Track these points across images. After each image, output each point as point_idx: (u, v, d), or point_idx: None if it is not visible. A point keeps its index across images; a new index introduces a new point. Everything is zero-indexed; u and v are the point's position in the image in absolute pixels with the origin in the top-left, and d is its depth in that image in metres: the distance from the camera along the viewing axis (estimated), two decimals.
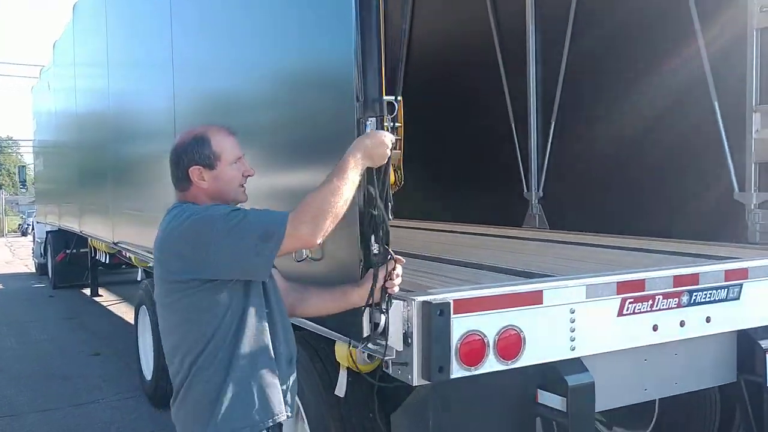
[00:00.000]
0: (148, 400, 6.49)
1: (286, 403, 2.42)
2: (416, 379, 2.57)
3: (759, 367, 3.45)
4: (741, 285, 3.32)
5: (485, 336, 2.70)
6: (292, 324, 2.63)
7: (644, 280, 3.07)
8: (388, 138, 2.43)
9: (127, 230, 6.93)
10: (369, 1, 2.49)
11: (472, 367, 2.68)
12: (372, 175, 2.53)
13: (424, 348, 2.55)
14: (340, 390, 3.04)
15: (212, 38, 4.20)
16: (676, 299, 3.16)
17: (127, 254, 7.67)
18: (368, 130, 2.52)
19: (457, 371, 2.62)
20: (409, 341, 2.57)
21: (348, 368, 3.01)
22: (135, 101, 6.40)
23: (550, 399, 2.94)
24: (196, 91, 4.75)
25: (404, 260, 2.58)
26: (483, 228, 5.92)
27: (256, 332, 2.35)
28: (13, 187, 57.31)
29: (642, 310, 3.07)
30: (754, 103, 4.35)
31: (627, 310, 3.03)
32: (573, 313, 2.90)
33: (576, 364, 2.93)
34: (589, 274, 3.05)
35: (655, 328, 3.11)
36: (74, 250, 13.13)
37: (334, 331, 2.86)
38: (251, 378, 2.31)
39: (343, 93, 2.59)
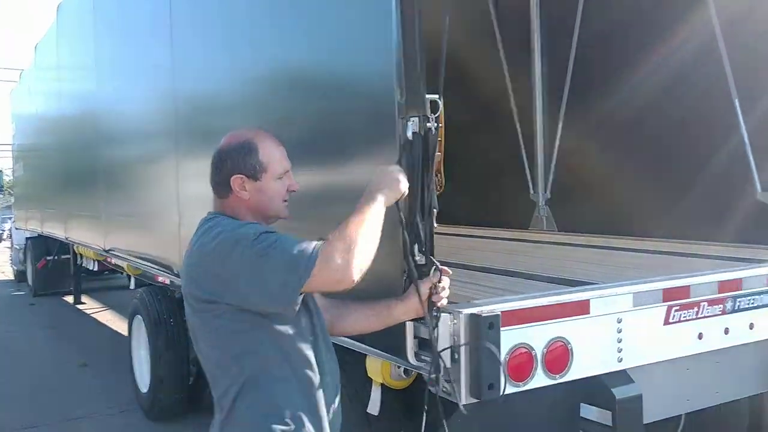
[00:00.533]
0: (143, 413, 6.25)
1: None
2: (464, 398, 2.40)
3: None
4: None
5: (533, 349, 2.54)
6: None
7: (689, 286, 2.94)
8: (400, 173, 2.28)
9: (121, 237, 6.68)
10: None
11: (521, 383, 2.52)
12: (415, 180, 2.36)
13: (472, 364, 2.38)
14: (374, 407, 2.86)
15: (221, 37, 4.01)
16: (721, 306, 3.02)
17: (116, 261, 7.42)
18: (410, 131, 2.34)
19: (506, 388, 2.45)
20: (456, 356, 2.40)
21: (382, 384, 2.84)
22: (129, 103, 6.16)
23: (594, 413, 2.78)
24: (196, 92, 4.55)
25: (451, 271, 2.40)
26: (491, 231, 5.77)
27: (300, 359, 2.16)
28: None
29: (688, 317, 2.93)
30: None
31: (673, 318, 2.89)
32: (620, 322, 2.75)
33: (622, 376, 2.78)
34: (634, 280, 2.90)
35: (700, 336, 2.97)
36: (56, 257, 12.82)
37: (374, 347, 2.67)
38: (296, 409, 2.13)
39: (382, 90, 2.41)
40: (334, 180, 2.86)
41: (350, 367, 3.03)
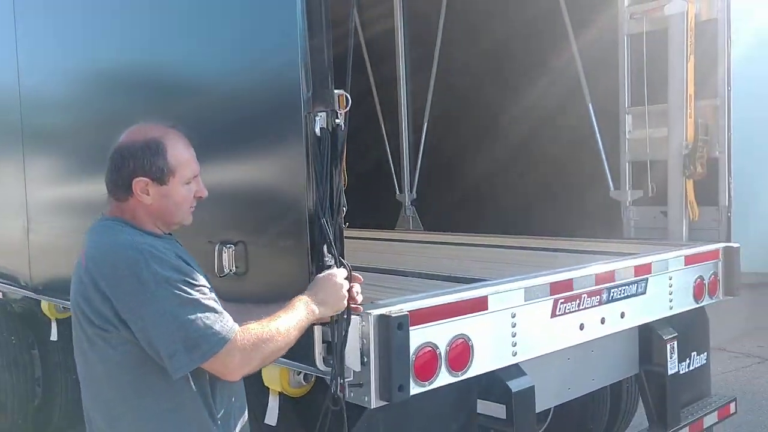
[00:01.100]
0: None
1: None
2: (374, 401, 2.34)
3: (660, 357, 3.61)
4: (647, 279, 3.44)
5: (437, 348, 2.53)
6: None
7: (572, 279, 3.07)
8: (343, 279, 2.20)
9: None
10: None
11: (426, 382, 2.50)
12: (321, 178, 2.26)
13: (382, 366, 2.33)
14: (272, 418, 2.72)
15: (83, 24, 3.66)
16: (598, 297, 3.20)
17: None
18: (317, 127, 2.25)
19: (413, 388, 2.43)
20: (365, 359, 2.34)
21: (279, 393, 2.71)
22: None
23: (491, 408, 2.84)
24: (49, 87, 4.14)
25: (362, 278, 2.32)
26: (361, 231, 5.75)
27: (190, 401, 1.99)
28: None
29: (571, 309, 3.06)
30: (626, 105, 4.58)
31: (559, 311, 3.01)
32: (514, 317, 2.82)
33: (516, 370, 2.86)
34: (524, 275, 2.98)
35: (581, 327, 3.12)
36: None
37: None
38: None
39: (287, 83, 2.29)
40: (236, 179, 2.69)
41: (244, 377, 2.87)
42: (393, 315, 2.34)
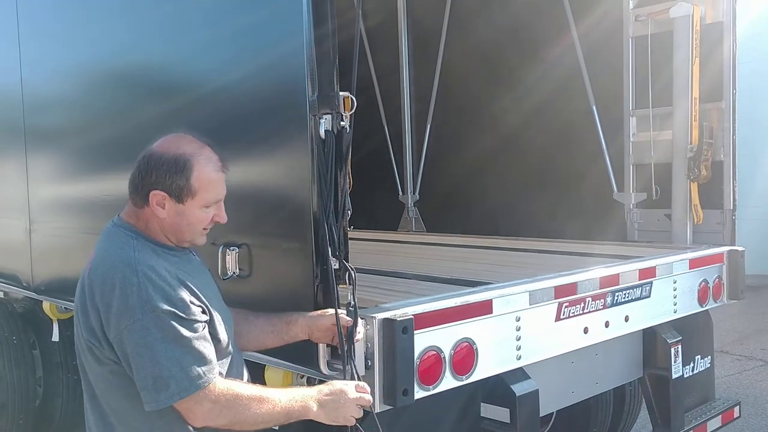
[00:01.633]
0: None
1: None
2: (378, 406, 2.32)
3: (664, 360, 3.59)
4: (651, 283, 3.43)
5: (442, 351, 2.52)
6: None
7: (576, 282, 3.06)
8: (355, 395, 2.08)
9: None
10: None
11: (430, 386, 2.49)
12: (326, 180, 2.25)
13: (387, 370, 2.31)
14: None
15: (90, 23, 3.65)
16: (602, 300, 3.18)
17: None
18: (322, 129, 2.23)
19: (417, 392, 2.41)
20: (369, 363, 2.32)
21: None
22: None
23: (495, 412, 2.82)
24: (54, 86, 4.12)
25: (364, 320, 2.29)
26: (360, 233, 5.74)
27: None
28: None
29: (575, 313, 3.05)
30: (630, 108, 4.56)
31: (563, 315, 2.99)
32: (518, 321, 2.81)
33: (520, 373, 2.85)
34: (529, 279, 2.97)
35: (585, 330, 3.11)
36: None
37: (279, 357, 2.51)
38: None
39: (293, 85, 2.27)
40: (240, 180, 2.67)
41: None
42: (398, 319, 2.32)
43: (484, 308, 2.68)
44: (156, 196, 1.95)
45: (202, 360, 1.85)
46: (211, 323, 1.97)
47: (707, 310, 3.80)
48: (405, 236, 5.68)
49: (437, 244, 4.97)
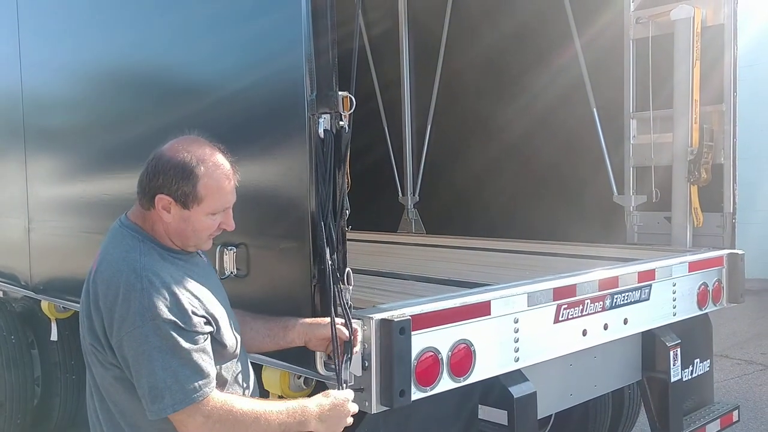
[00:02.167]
0: None
1: None
2: (375, 407, 2.32)
3: (663, 364, 3.58)
4: (650, 285, 3.42)
5: (439, 353, 2.51)
6: None
7: (575, 285, 3.05)
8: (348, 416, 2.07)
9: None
10: None
11: (427, 388, 2.48)
12: (324, 180, 2.24)
13: (384, 371, 2.31)
14: None
15: (89, 22, 3.64)
16: (601, 303, 3.17)
17: None
18: (321, 128, 2.22)
19: (414, 393, 2.40)
20: (366, 364, 2.31)
21: (279, 396, 2.68)
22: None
23: (493, 414, 2.81)
24: (53, 85, 4.12)
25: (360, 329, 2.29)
26: (360, 234, 5.74)
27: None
28: None
29: (574, 315, 3.04)
30: (631, 110, 4.56)
31: (562, 317, 2.99)
32: (516, 323, 2.80)
33: (517, 375, 2.84)
34: (528, 281, 2.96)
35: (584, 332, 3.10)
36: None
37: (277, 358, 2.50)
38: None
39: (291, 84, 2.27)
40: (239, 180, 2.68)
41: None
42: (395, 319, 2.31)
43: (482, 309, 2.67)
44: (162, 200, 1.92)
45: (199, 373, 1.83)
46: (216, 331, 1.95)
47: (707, 313, 3.79)
48: (404, 237, 5.68)
49: (436, 246, 4.96)
